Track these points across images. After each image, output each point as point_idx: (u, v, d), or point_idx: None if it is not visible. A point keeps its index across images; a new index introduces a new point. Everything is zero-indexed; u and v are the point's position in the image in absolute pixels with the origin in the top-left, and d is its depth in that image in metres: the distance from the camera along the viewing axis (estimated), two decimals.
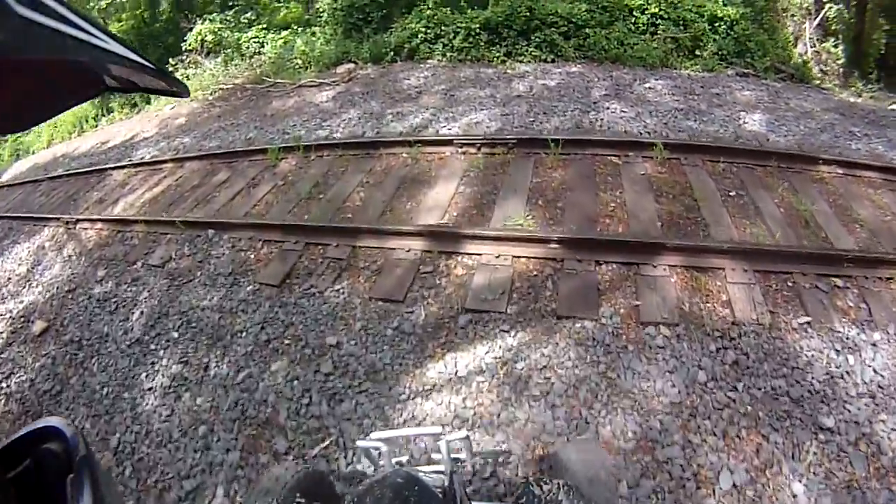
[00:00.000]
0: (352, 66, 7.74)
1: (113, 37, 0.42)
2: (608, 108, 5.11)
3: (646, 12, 7.13)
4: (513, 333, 2.53)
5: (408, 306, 2.81)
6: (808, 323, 2.44)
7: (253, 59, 9.63)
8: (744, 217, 3.25)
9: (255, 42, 9.80)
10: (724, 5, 7.30)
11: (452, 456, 1.23)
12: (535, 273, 2.86)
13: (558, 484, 0.98)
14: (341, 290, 3.04)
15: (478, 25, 7.23)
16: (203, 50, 10.51)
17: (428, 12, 7.65)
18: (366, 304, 2.89)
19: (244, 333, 2.92)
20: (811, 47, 8.45)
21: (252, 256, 3.56)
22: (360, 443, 1.29)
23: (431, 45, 7.49)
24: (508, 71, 6.66)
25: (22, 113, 0.49)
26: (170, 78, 0.53)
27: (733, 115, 4.98)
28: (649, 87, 5.81)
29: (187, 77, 10.10)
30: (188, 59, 10.44)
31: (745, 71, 6.73)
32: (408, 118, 5.44)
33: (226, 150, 5.69)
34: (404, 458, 1.43)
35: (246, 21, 10.31)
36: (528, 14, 7.07)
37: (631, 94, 5.59)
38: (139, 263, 3.92)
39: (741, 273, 2.71)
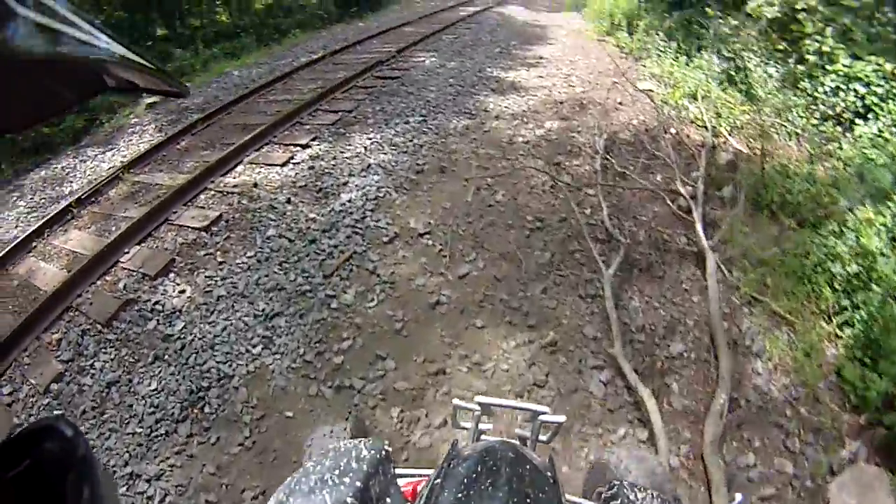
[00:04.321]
0: None
1: (113, 37, 0.42)
2: None
3: None
4: None
5: None
6: None
7: None
8: None
9: None
10: None
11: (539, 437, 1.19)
12: None
13: (652, 494, 0.91)
14: None
15: None
16: None
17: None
18: None
19: None
20: None
21: None
22: (456, 401, 1.25)
23: None
24: None
25: (20, 113, 0.49)
26: (170, 78, 0.53)
27: None
28: None
29: None
30: None
31: None
32: None
33: None
34: (489, 427, 1.34)
35: None
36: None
37: None
38: None
39: None
